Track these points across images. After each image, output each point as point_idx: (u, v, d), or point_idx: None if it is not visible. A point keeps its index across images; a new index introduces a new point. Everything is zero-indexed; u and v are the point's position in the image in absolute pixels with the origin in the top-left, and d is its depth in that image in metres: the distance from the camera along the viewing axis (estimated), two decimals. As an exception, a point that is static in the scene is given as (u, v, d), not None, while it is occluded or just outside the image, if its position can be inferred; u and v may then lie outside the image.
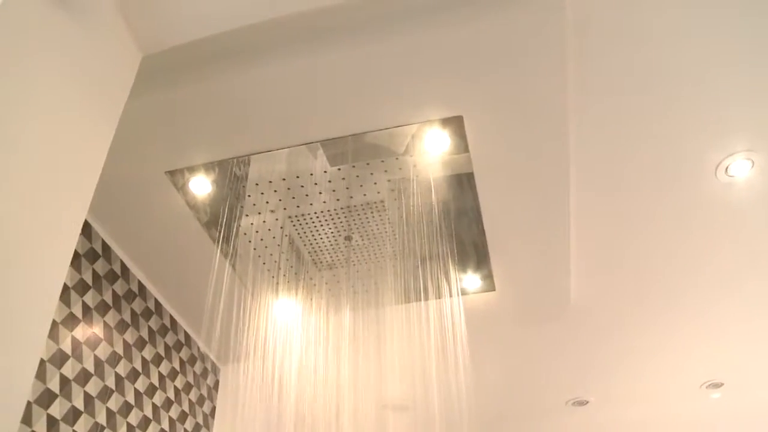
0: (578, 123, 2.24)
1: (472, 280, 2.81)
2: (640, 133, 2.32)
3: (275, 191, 2.39)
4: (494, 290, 2.88)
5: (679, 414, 4.01)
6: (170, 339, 2.94)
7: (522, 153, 2.22)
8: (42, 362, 2.09)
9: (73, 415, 2.20)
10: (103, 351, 2.42)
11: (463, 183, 2.35)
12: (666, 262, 2.88)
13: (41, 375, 2.08)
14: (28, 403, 1.99)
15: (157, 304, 2.89)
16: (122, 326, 2.58)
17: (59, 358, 2.18)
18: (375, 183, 2.35)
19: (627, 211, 2.63)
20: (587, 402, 3.93)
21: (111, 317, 2.51)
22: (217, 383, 3.36)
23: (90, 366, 2.33)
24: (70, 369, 2.23)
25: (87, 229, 2.45)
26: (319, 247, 2.65)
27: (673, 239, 2.76)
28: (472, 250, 2.64)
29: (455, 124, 2.11)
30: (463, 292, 2.85)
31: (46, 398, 2.09)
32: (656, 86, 2.18)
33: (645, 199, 2.58)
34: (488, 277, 2.79)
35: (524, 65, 1.93)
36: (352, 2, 1.78)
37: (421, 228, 2.49)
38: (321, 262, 2.73)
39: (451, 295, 2.66)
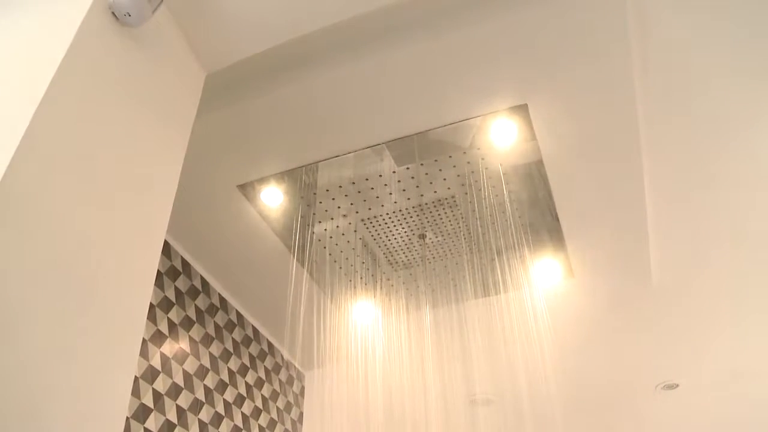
0: (645, 96, 2.18)
1: (549, 268, 2.77)
2: (710, 102, 2.24)
3: (346, 196, 2.40)
4: (573, 277, 2.83)
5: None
6: (254, 349, 2.99)
7: (590, 136, 2.18)
8: (135, 379, 2.15)
9: (168, 428, 2.26)
10: (191, 365, 2.48)
11: (532, 171, 2.32)
12: (750, 232, 2.77)
13: (136, 391, 2.15)
14: (127, 419, 2.05)
15: (239, 315, 2.94)
16: (207, 340, 2.64)
17: (150, 374, 2.24)
18: (444, 179, 2.34)
19: (705, 184, 2.52)
20: (677, 385, 3.81)
21: (196, 331, 2.57)
22: (303, 389, 3.40)
23: (180, 380, 2.39)
24: (161, 384, 2.29)
25: (166, 248, 2.52)
26: (394, 247, 2.65)
27: (754, 209, 2.65)
28: (548, 238, 2.60)
29: (520, 113, 2.08)
30: (542, 281, 2.81)
31: (141, 413, 2.15)
32: (722, 53, 2.09)
33: (721, 170, 2.48)
34: (566, 264, 2.74)
35: (587, 47, 1.89)
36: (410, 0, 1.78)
37: (494, 220, 2.46)
38: (397, 262, 2.73)
39: (530, 285, 2.62)
